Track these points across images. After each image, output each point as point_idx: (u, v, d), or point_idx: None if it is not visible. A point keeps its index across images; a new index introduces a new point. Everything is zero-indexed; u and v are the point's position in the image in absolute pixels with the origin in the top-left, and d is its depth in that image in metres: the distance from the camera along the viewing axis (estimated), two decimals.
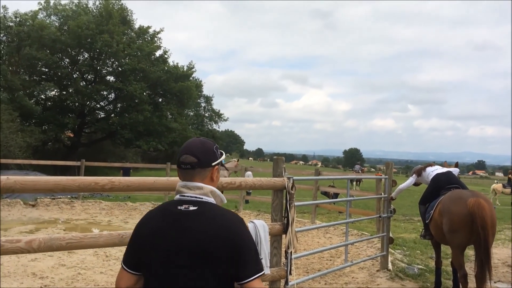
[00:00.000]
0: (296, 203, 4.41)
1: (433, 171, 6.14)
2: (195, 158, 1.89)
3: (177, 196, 1.90)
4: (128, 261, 1.90)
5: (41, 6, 31.66)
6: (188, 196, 1.86)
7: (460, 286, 5.38)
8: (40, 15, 31.17)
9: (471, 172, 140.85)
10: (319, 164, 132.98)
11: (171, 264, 1.76)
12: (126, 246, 1.94)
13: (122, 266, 1.92)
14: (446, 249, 6.56)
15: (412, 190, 9.35)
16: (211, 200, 1.89)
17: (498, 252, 8.54)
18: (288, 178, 4.33)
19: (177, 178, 3.56)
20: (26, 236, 5.33)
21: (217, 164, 1.97)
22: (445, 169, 6.13)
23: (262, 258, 4.02)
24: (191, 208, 1.82)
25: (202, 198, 1.86)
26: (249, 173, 16.02)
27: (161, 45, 35.31)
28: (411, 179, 6.62)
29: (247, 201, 15.76)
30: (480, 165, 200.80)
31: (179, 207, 1.83)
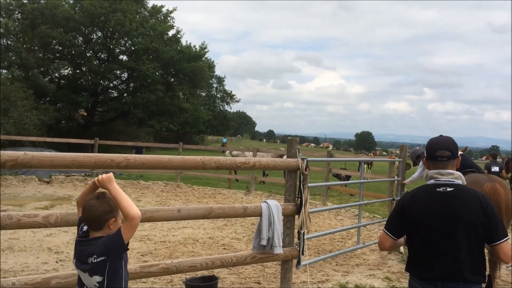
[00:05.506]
0: (308, 185, 4.39)
1: None
2: (450, 152, 2.50)
3: (432, 181, 2.50)
4: (393, 230, 2.59)
5: None
6: (442, 180, 2.46)
7: None
8: None
9: (484, 157, 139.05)
10: (331, 146, 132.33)
11: (442, 233, 2.39)
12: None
13: (385, 232, 2.61)
14: None
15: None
16: (460, 182, 2.47)
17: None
18: (302, 159, 4.31)
19: (192, 157, 3.68)
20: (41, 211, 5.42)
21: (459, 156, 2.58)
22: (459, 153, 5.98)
23: (274, 237, 4.04)
24: (448, 189, 2.43)
25: (454, 181, 2.46)
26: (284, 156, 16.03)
27: (174, 24, 35.13)
28: (423, 167, 6.50)
29: (263, 182, 16.49)
30: (494, 150, 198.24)
31: (437, 189, 2.45)
